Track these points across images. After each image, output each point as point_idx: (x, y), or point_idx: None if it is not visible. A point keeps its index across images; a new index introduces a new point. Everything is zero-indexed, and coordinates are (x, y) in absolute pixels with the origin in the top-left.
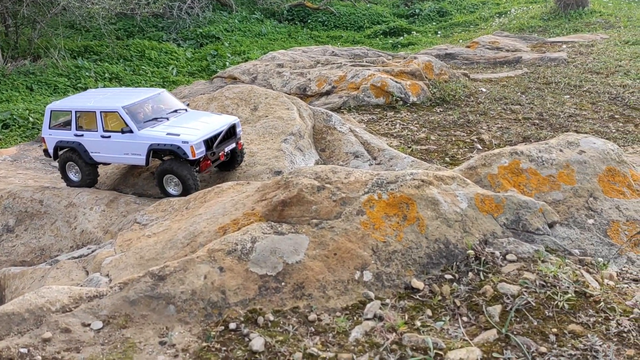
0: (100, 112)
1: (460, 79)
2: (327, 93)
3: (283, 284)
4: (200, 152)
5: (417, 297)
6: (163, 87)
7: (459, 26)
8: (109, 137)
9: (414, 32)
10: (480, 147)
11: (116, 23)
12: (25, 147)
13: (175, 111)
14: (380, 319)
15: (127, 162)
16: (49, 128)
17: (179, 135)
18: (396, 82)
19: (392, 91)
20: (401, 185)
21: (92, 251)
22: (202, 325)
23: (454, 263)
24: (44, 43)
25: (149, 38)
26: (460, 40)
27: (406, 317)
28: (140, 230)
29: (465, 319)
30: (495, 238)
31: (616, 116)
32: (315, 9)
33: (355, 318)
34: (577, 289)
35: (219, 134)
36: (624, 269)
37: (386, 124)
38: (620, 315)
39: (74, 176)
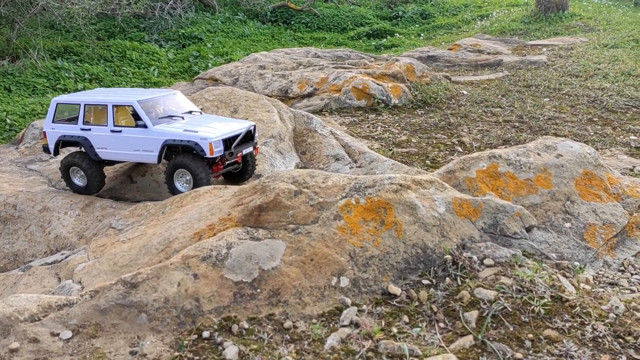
0: (113, 105)
1: (442, 81)
2: (309, 95)
3: (259, 290)
4: (218, 150)
5: (394, 303)
6: (144, 87)
7: (442, 28)
8: (120, 132)
9: (397, 34)
10: (461, 150)
11: (97, 23)
12: (1, 149)
13: (190, 112)
14: (357, 325)
15: (136, 159)
16: (52, 122)
17: (196, 132)
18: (378, 84)
19: (374, 93)
20: (379, 190)
21: (66, 257)
22: (175, 334)
23: (432, 268)
24: (22, 43)
25: (130, 39)
26: (443, 43)
27: (383, 324)
28: (115, 235)
29: (442, 325)
30: (473, 242)
31: (594, 119)
32: (298, 11)
33: (331, 325)
34: (553, 294)
35: (237, 135)
36: (600, 272)
37: (367, 127)
38: (596, 320)
39: (79, 181)
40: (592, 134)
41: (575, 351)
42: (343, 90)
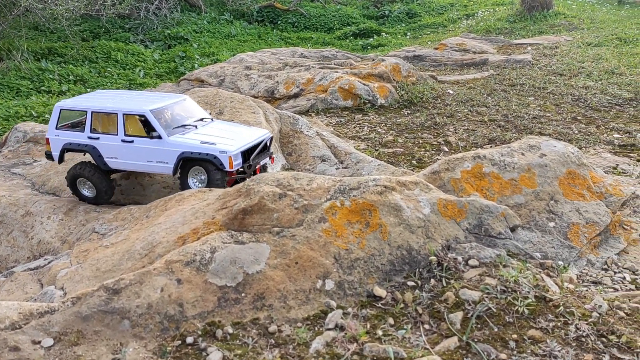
0: (123, 114)
1: (428, 81)
2: (295, 96)
3: (243, 294)
4: (237, 163)
5: (380, 305)
6: (129, 89)
7: (428, 28)
8: (132, 142)
9: (384, 34)
10: (447, 150)
11: (81, 24)
12: None
13: (201, 119)
14: (342, 328)
15: (149, 170)
16: (56, 128)
17: (215, 144)
18: (364, 84)
19: (360, 94)
20: (364, 192)
21: (49, 262)
22: (158, 340)
23: (417, 270)
24: (5, 45)
25: (115, 39)
26: (429, 42)
27: (368, 326)
28: (99, 240)
29: (427, 326)
30: (458, 243)
31: (579, 117)
32: (285, 10)
33: (316, 328)
34: (537, 294)
35: (256, 146)
36: (583, 271)
37: (354, 127)
38: (579, 320)
39: (87, 192)
40: (576, 132)
41: (558, 351)
42: (329, 91)
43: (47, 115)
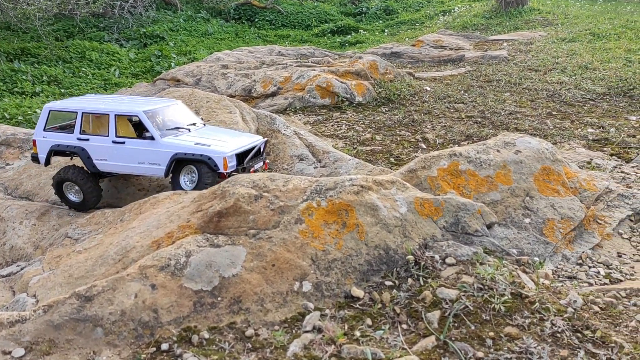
0: (115, 115)
1: (405, 78)
2: (273, 94)
3: (219, 298)
4: (232, 165)
5: (357, 305)
6: (105, 89)
7: (405, 24)
8: (123, 142)
9: (362, 31)
10: (425, 147)
11: (54, 24)
12: None
13: (194, 124)
14: (320, 330)
15: (139, 172)
16: (44, 130)
17: (209, 145)
18: (342, 82)
19: (338, 91)
20: (340, 192)
21: (22, 269)
22: (132, 348)
23: (394, 269)
24: None
25: (89, 39)
26: (407, 39)
27: (346, 328)
28: (72, 245)
29: (404, 326)
30: (435, 242)
31: (554, 113)
32: (262, 8)
33: (294, 331)
34: (513, 291)
35: (250, 150)
36: (559, 266)
37: (332, 125)
38: (555, 315)
39: (74, 197)
40: (551, 127)
41: (534, 347)
42: (307, 89)
43: (20, 118)
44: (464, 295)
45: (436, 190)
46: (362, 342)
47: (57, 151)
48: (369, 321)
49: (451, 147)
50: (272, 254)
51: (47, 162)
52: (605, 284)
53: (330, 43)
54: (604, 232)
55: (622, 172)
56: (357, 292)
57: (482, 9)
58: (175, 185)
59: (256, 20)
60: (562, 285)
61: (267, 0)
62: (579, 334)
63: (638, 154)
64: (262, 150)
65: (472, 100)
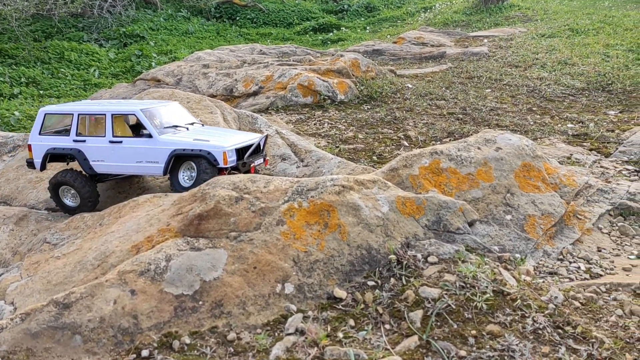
0: (112, 115)
1: (387, 75)
2: (254, 94)
3: (200, 303)
4: (232, 160)
5: (340, 306)
6: (84, 90)
7: (387, 21)
8: (120, 142)
9: (343, 28)
10: (407, 144)
11: (32, 24)
12: None
13: (192, 124)
14: (302, 333)
15: (137, 171)
16: (39, 134)
17: (208, 141)
18: (323, 80)
19: (320, 90)
20: (322, 192)
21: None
22: (112, 355)
23: (377, 269)
24: None
25: (68, 39)
26: (388, 36)
27: (329, 329)
28: (50, 250)
29: (387, 326)
30: (417, 240)
31: (534, 108)
32: (243, 6)
33: (276, 334)
34: (495, 288)
35: (250, 146)
36: (540, 262)
37: (314, 124)
38: (536, 312)
39: (70, 201)
40: (531, 123)
41: (516, 345)
42: (289, 88)
43: None
44: (446, 294)
45: (418, 189)
46: (345, 344)
47: (53, 155)
48: (351, 322)
49: (433, 144)
50: (253, 256)
51: (43, 167)
52: (585, 279)
53: (312, 41)
54: (584, 227)
55: (601, 166)
56: (340, 292)
57: (463, 6)
58: (175, 183)
59: (237, 18)
60: (543, 282)
61: None
62: (560, 330)
63: (617, 149)
64: (262, 146)
65: (453, 97)
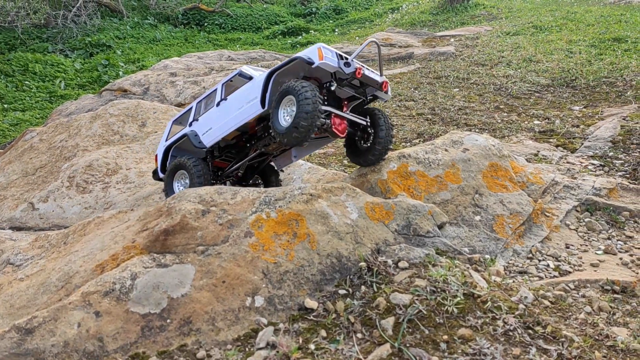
0: (222, 84)
1: None
2: None
3: (168, 321)
4: (328, 57)
5: (312, 317)
6: (50, 102)
7: (355, 23)
8: (226, 99)
9: (312, 31)
10: None
11: None
12: None
13: None
14: (274, 346)
15: (238, 120)
16: (165, 141)
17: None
18: None
19: None
20: (289, 202)
21: None
22: None
23: (347, 277)
24: None
25: (32, 50)
26: (357, 37)
27: (300, 341)
28: (13, 272)
29: (359, 335)
30: (388, 246)
31: (501, 106)
32: (211, 12)
33: (247, 349)
34: (465, 291)
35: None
36: (510, 262)
37: None
38: (507, 314)
39: (181, 185)
40: (499, 121)
41: (488, 348)
42: None
43: None
44: (417, 300)
45: (387, 194)
46: (317, 356)
47: (169, 146)
48: (323, 333)
49: (403, 145)
50: (222, 270)
51: (163, 167)
52: (555, 276)
53: (282, 45)
54: (552, 225)
55: (567, 162)
56: (311, 303)
57: (429, 6)
58: (274, 122)
59: (205, 24)
60: (513, 282)
61: (216, 4)
62: (530, 331)
63: (582, 144)
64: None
65: (422, 98)
